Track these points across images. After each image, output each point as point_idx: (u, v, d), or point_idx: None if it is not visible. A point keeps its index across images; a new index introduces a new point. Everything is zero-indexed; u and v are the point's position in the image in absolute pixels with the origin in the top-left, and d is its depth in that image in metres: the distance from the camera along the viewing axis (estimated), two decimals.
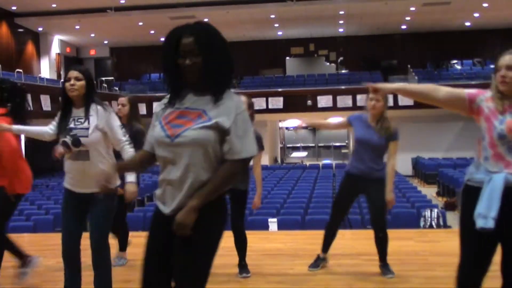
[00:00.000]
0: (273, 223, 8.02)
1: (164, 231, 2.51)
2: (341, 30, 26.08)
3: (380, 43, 26.19)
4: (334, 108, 21.65)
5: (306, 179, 15.27)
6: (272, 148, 25.19)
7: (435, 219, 9.02)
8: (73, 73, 3.73)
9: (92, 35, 25.59)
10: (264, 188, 10.23)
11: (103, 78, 24.28)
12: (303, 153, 27.08)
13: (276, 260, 5.61)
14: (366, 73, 24.78)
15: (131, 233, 5.67)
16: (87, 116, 3.73)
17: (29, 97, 12.33)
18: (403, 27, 25.47)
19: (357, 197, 5.05)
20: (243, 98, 2.68)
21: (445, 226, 9.07)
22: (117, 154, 3.92)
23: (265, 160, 22.26)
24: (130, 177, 4.17)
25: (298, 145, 27.34)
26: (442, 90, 3.01)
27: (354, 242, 6.51)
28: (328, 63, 27.34)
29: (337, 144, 26.89)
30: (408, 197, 10.79)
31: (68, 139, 3.69)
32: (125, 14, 21.96)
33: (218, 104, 2.46)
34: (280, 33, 26.37)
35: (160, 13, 21.57)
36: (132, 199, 4.37)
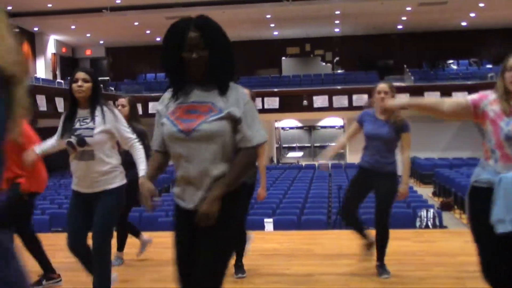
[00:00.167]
0: (269, 223, 8.01)
1: (190, 227, 2.54)
2: (337, 30, 26.09)
3: (376, 43, 26.20)
4: (330, 108, 21.66)
5: (302, 179, 15.26)
6: (268, 148, 25.16)
7: (431, 219, 9.02)
8: (81, 75, 3.79)
9: (88, 35, 25.54)
10: None
11: (99, 78, 24.18)
12: (299, 153, 27.05)
13: (272, 260, 5.59)
14: (362, 73, 24.79)
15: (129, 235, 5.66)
16: (92, 117, 3.77)
17: None
18: (399, 27, 25.49)
19: (369, 192, 4.97)
20: (246, 90, 2.71)
21: (441, 226, 9.07)
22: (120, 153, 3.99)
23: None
24: (143, 172, 4.16)
25: (294, 145, 27.32)
26: (446, 102, 3.01)
27: (351, 242, 6.48)
28: (324, 63, 27.36)
29: (333, 144, 26.82)
30: None
31: (73, 139, 3.72)
32: (121, 14, 21.92)
33: (225, 96, 2.50)
34: (276, 33, 26.37)
35: (156, 13, 21.53)
36: None
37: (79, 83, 3.76)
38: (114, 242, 5.05)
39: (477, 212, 2.90)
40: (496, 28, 24.78)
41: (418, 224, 9.00)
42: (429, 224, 8.96)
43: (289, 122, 26.74)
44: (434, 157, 21.95)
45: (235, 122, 2.48)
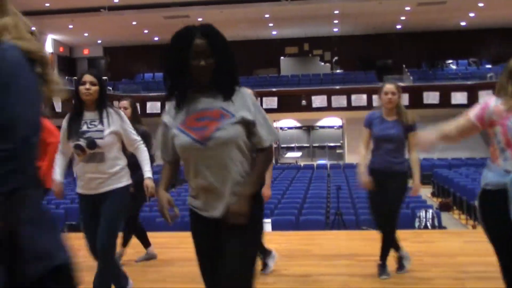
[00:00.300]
0: (267, 223, 7.98)
1: (214, 237, 2.56)
2: (336, 29, 26.06)
3: (375, 42, 26.17)
4: (328, 108, 21.64)
5: (300, 179, 15.24)
6: None
7: (430, 220, 9.00)
8: (88, 77, 3.82)
9: (86, 34, 25.49)
10: None
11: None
12: (298, 153, 26.99)
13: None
14: (361, 72, 24.78)
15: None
16: (100, 119, 3.81)
17: None
18: (398, 26, 25.47)
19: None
20: (249, 91, 2.72)
21: (440, 226, 9.06)
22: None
23: None
24: (148, 173, 4.24)
25: (293, 145, 27.27)
26: (452, 128, 3.01)
27: (349, 243, 6.48)
28: (322, 63, 27.32)
29: (332, 144, 26.82)
30: None
31: (82, 142, 3.73)
32: (119, 14, 21.87)
33: (233, 100, 2.53)
34: (274, 32, 26.34)
35: (153, 13, 21.50)
36: (153, 193, 4.46)
37: (87, 86, 3.79)
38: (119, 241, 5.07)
39: (491, 214, 2.88)
40: (495, 27, 24.76)
41: (417, 224, 8.99)
42: (428, 224, 8.95)
43: (287, 122, 26.69)
44: (433, 157, 21.93)
45: (248, 125, 2.52)
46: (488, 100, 2.92)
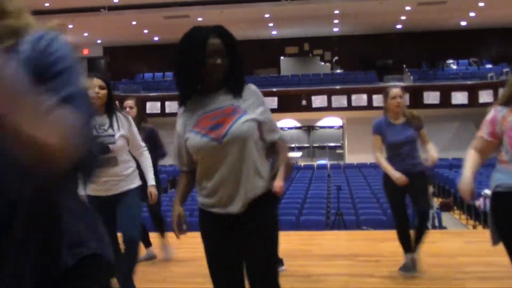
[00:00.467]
0: None
1: (228, 233, 2.57)
2: (336, 29, 26.04)
3: (375, 42, 26.14)
4: (328, 108, 21.64)
5: (300, 179, 15.24)
6: None
7: (430, 220, 8.99)
8: (97, 81, 3.89)
9: (85, 34, 25.45)
10: None
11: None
12: (298, 153, 26.97)
13: None
14: (361, 72, 24.75)
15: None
16: (110, 123, 3.84)
17: None
18: (399, 26, 25.44)
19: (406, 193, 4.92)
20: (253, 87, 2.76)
21: (441, 227, 9.05)
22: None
23: None
24: (152, 181, 4.29)
25: (293, 145, 27.25)
26: (476, 153, 3.07)
27: (349, 243, 6.47)
28: (322, 63, 27.28)
29: (332, 144, 26.81)
30: None
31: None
32: (119, 14, 21.86)
33: (243, 97, 2.58)
34: (274, 32, 26.32)
35: (154, 12, 21.48)
36: (155, 200, 4.50)
37: (96, 89, 3.83)
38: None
39: (504, 216, 2.88)
40: (496, 27, 24.73)
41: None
42: (428, 224, 8.93)
43: (287, 122, 26.66)
44: None
45: (260, 120, 2.58)
46: (494, 113, 2.94)
